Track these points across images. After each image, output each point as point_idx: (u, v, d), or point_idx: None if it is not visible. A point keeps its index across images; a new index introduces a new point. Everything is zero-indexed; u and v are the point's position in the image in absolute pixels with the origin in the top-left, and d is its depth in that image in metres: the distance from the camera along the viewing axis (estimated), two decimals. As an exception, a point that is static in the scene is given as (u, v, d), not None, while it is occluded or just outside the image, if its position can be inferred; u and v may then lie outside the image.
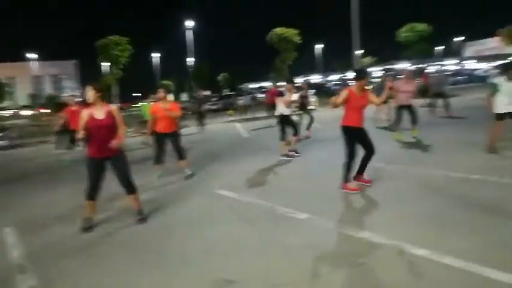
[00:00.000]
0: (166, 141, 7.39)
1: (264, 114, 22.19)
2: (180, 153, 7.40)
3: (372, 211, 4.81)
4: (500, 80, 7.00)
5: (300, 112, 11.51)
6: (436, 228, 3.94)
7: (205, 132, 16.15)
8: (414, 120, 9.34)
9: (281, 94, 8.85)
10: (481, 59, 49.36)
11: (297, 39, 33.35)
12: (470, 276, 2.96)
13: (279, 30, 33.06)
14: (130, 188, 5.01)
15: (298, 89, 11.50)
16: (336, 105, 5.51)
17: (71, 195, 6.71)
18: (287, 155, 8.58)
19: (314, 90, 23.76)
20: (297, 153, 8.71)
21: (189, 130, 16.56)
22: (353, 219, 4.46)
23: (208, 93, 55.33)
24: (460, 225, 3.95)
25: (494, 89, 6.99)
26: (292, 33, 32.91)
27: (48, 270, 3.85)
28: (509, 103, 6.90)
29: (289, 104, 8.62)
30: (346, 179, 5.60)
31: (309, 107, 11.92)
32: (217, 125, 19.77)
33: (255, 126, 16.99)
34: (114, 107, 4.97)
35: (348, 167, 5.58)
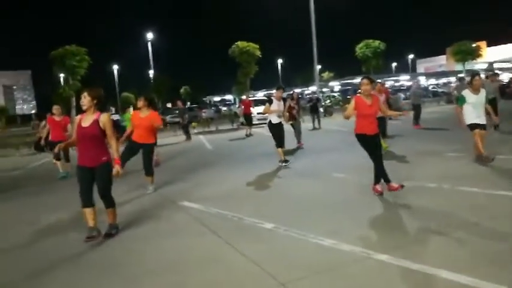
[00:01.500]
0: (136, 151, 7.20)
1: (228, 126, 22.26)
2: (147, 168, 7.14)
3: (336, 219, 4.93)
4: (467, 93, 7.25)
5: (291, 122, 11.37)
6: (395, 232, 4.11)
7: (169, 145, 15.94)
8: (383, 134, 9.52)
9: (263, 102, 8.98)
10: (430, 75, 52.24)
11: (258, 53, 33.80)
12: (429, 278, 3.11)
13: (240, 43, 33.40)
14: (107, 201, 4.81)
15: (287, 99, 11.46)
16: (347, 117, 5.64)
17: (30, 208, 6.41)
18: (285, 161, 8.63)
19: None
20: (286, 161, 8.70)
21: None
22: (318, 228, 4.56)
23: (169, 105, 54.70)
24: (418, 229, 4.14)
25: (461, 101, 7.23)
26: (253, 47, 33.34)
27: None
28: (478, 116, 7.12)
29: (278, 113, 8.74)
30: (375, 181, 5.70)
31: (298, 118, 11.84)
32: (181, 137, 19.55)
33: (222, 138, 16.97)
34: (105, 116, 4.71)
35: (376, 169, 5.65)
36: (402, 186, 5.48)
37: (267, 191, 6.64)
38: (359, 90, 5.83)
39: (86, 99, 4.60)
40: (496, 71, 20.74)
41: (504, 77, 32.61)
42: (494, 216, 4.35)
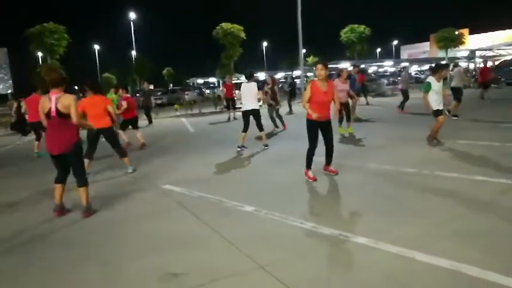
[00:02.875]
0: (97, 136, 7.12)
1: (211, 109, 22.07)
2: (117, 150, 7.23)
3: (317, 203, 4.98)
4: (432, 80, 7.61)
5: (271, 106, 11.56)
6: (376, 217, 4.16)
7: (152, 127, 15.74)
8: (348, 118, 9.84)
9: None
10: (414, 61, 52.64)
11: (243, 35, 33.38)
12: (407, 261, 3.17)
13: (224, 25, 32.89)
14: (80, 180, 4.88)
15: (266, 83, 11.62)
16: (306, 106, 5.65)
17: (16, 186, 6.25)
18: (239, 147, 8.72)
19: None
20: (244, 147, 8.78)
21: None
22: (299, 211, 4.59)
23: (151, 87, 53.84)
24: (398, 213, 4.21)
25: (427, 88, 7.59)
26: (237, 29, 32.88)
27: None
28: (440, 102, 7.59)
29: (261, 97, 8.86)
30: (306, 166, 5.82)
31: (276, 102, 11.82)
32: (163, 120, 19.32)
33: (205, 121, 16.84)
34: (67, 96, 4.69)
35: (307, 154, 5.78)
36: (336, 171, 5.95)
37: (248, 175, 6.64)
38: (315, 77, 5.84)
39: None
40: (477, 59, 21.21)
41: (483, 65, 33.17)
42: (472, 201, 4.44)
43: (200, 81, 62.70)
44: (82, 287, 3.18)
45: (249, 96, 8.64)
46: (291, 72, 52.62)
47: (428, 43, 57.47)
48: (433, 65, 9.22)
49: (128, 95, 10.41)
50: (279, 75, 58.83)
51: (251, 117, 8.66)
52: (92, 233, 4.36)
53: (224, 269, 3.26)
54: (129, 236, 4.20)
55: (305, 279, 3.00)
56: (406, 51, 67.26)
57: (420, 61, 51.34)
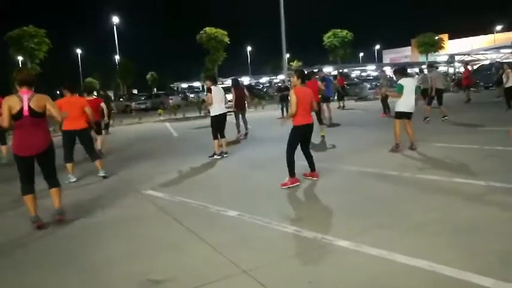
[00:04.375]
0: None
1: (195, 114, 21.97)
2: (90, 154, 7.21)
3: (299, 206, 4.99)
4: (404, 82, 7.53)
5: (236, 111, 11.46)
6: (358, 220, 4.19)
7: (135, 131, 15.58)
8: (320, 121, 9.96)
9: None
10: (395, 65, 53.50)
11: (226, 40, 33.40)
12: (389, 263, 3.20)
13: (208, 29, 32.86)
14: (54, 182, 4.79)
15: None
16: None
17: None
18: (216, 155, 8.50)
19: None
20: (225, 154, 8.59)
21: (118, 128, 15.92)
22: (282, 215, 4.59)
23: (135, 91, 53.36)
24: (378, 215, 4.25)
25: (400, 89, 7.49)
26: (221, 34, 32.88)
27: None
28: (412, 105, 7.55)
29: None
30: (291, 175, 5.79)
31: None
32: (147, 124, 19.17)
33: (189, 126, 16.74)
34: (42, 96, 4.58)
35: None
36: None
37: (230, 180, 6.62)
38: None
39: None
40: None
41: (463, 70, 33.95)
42: (454, 203, 4.52)
43: (184, 85, 62.37)
44: (61, 296, 3.11)
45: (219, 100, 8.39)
46: (275, 77, 52.82)
47: (409, 48, 58.56)
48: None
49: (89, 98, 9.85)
50: (263, 79, 59.02)
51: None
52: (70, 239, 4.27)
53: (208, 274, 3.23)
54: (109, 242, 4.12)
55: (289, 283, 3.00)
56: (388, 56, 68.38)
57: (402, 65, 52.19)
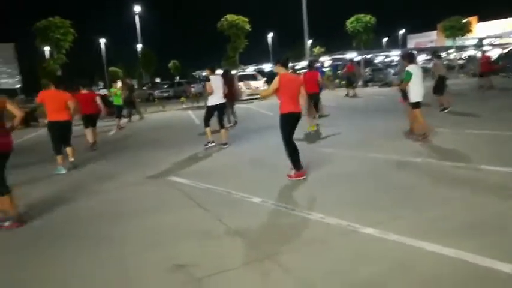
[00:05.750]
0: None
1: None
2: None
3: (322, 193, 4.96)
4: (412, 69, 7.16)
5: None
6: (383, 208, 4.15)
7: (158, 120, 15.83)
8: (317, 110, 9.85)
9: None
10: (421, 50, 52.02)
11: (248, 27, 33.13)
12: (416, 250, 3.16)
13: (229, 17, 32.67)
14: (4, 187, 4.46)
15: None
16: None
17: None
18: (210, 143, 8.48)
19: (265, 79, 24.01)
20: (224, 145, 8.49)
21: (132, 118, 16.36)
22: (305, 202, 4.59)
23: (157, 80, 53.91)
24: (404, 203, 4.20)
25: (408, 77, 7.12)
26: (242, 21, 32.63)
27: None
28: (422, 93, 7.24)
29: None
30: (297, 168, 5.53)
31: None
32: (170, 112, 19.41)
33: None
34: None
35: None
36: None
37: (254, 166, 6.63)
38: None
39: None
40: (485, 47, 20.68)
41: (493, 53, 32.67)
42: (478, 191, 4.41)
43: (205, 73, 62.52)
44: (91, 280, 3.21)
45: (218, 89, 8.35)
46: (297, 63, 52.29)
47: (435, 32, 56.77)
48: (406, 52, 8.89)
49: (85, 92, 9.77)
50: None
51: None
52: (98, 226, 4.39)
53: (232, 259, 3.27)
54: (136, 229, 4.21)
55: (314, 269, 3.01)
56: (414, 40, 66.56)
57: (427, 50, 50.69)
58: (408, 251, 3.16)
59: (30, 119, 15.26)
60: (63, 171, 7.16)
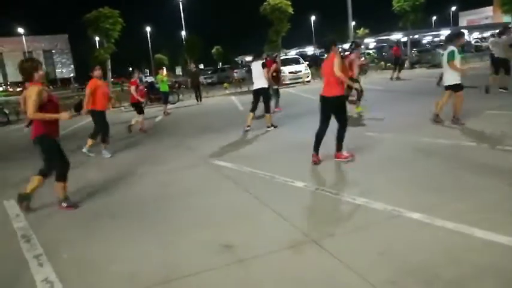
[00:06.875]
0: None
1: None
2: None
3: (366, 178, 4.88)
4: (454, 49, 6.86)
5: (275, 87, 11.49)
6: (429, 192, 4.03)
7: (202, 105, 16.15)
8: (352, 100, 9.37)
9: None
10: (474, 28, 48.88)
11: (290, 10, 32.59)
12: (464, 237, 3.07)
13: (271, 1, 32.26)
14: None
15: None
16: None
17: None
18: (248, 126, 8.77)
19: (307, 62, 23.67)
20: (274, 126, 8.82)
21: (188, 103, 16.67)
22: (349, 186, 4.55)
23: (201, 66, 54.68)
24: (452, 188, 4.05)
25: (452, 56, 6.84)
26: (285, 4, 32.13)
27: (50, 239, 3.92)
28: (458, 74, 6.89)
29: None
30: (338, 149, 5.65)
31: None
32: (214, 98, 19.70)
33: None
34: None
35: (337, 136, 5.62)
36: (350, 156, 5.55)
37: (297, 151, 6.62)
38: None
39: None
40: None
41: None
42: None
43: (248, 58, 62.54)
44: (141, 257, 3.36)
45: (258, 75, 8.68)
46: (340, 46, 50.80)
47: (491, 7, 53.03)
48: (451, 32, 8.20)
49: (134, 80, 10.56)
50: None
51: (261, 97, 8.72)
52: (145, 208, 4.58)
53: (278, 242, 3.33)
54: (183, 211, 4.37)
55: (358, 254, 3.00)
56: (466, 18, 62.66)
57: (480, 28, 47.55)
58: (457, 237, 3.07)
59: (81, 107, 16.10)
60: (108, 156, 7.59)
